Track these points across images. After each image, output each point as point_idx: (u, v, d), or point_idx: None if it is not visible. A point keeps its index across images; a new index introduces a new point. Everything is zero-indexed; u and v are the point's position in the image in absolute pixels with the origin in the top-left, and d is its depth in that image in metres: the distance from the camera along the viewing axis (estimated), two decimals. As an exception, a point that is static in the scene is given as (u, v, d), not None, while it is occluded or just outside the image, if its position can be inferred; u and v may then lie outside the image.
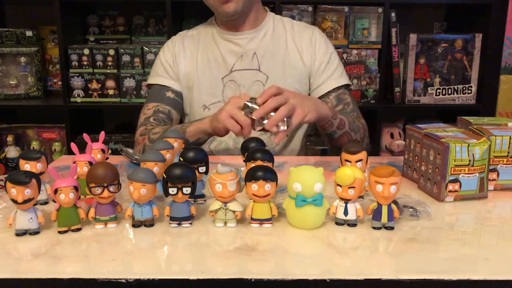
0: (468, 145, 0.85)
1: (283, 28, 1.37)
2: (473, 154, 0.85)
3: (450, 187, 0.86)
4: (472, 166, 0.86)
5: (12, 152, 2.14)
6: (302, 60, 1.34)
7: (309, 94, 1.36)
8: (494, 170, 0.92)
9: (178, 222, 0.74)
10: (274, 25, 1.37)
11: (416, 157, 0.95)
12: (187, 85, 1.35)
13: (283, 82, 1.29)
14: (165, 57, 1.37)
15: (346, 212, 0.74)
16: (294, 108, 1.00)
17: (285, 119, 0.99)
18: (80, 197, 0.74)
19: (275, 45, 1.34)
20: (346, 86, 1.35)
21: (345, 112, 1.31)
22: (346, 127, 1.23)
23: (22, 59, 2.19)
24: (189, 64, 1.35)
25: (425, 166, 0.92)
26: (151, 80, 1.39)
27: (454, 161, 0.85)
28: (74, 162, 0.83)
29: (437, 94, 2.10)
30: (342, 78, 1.34)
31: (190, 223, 0.75)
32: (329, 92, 1.32)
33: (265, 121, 0.99)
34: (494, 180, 0.93)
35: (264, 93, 1.01)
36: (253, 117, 0.99)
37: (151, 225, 0.75)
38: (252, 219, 0.75)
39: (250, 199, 0.75)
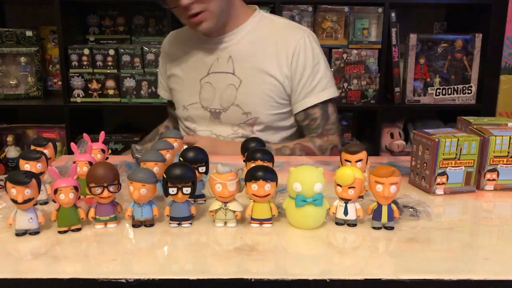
0: (458, 139, 0.88)
1: (269, 30, 1.30)
2: (460, 149, 0.89)
3: (438, 179, 0.90)
4: (459, 159, 0.89)
5: (12, 152, 2.14)
6: (279, 68, 1.27)
7: (291, 109, 1.32)
8: (494, 170, 0.92)
9: (178, 222, 0.74)
10: (258, 26, 1.31)
11: (425, 164, 0.92)
12: (173, 85, 1.42)
13: (257, 88, 1.27)
14: (160, 67, 1.49)
15: (346, 212, 0.74)
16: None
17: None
18: (80, 197, 0.74)
19: (253, 48, 1.29)
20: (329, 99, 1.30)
21: (310, 128, 1.30)
22: (297, 153, 1.26)
23: (22, 59, 2.19)
24: (175, 65, 1.40)
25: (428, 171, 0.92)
26: (161, 93, 1.53)
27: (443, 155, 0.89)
28: (74, 162, 0.83)
29: (437, 94, 2.10)
30: (324, 93, 1.29)
31: (190, 223, 0.75)
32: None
33: None
34: (494, 180, 0.93)
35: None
36: None
37: (151, 225, 0.75)
38: (252, 219, 0.75)
39: (250, 199, 0.75)
